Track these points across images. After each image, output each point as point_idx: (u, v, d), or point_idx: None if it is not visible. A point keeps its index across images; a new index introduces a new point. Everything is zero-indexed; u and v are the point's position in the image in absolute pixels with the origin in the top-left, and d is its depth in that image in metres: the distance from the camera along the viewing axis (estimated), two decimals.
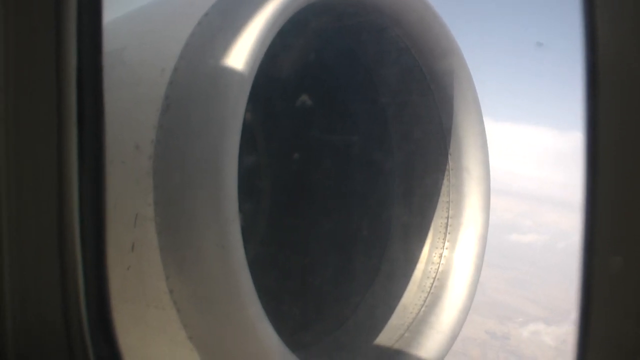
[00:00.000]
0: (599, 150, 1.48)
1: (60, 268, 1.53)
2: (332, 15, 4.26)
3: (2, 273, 1.50)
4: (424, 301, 4.69)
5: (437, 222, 4.80)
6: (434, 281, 4.72)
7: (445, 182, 4.78)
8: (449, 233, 4.77)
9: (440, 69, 4.60)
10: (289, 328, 4.14)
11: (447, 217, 4.81)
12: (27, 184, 1.58)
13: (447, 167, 4.77)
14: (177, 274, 3.41)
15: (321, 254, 5.11)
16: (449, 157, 4.75)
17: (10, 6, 1.56)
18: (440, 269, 4.74)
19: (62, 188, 1.63)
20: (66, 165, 1.65)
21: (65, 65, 1.65)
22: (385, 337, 4.67)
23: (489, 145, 4.78)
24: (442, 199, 4.80)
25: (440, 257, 4.76)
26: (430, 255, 4.78)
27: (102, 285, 1.67)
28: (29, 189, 1.58)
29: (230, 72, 3.39)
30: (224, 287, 3.36)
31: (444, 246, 4.76)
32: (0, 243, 1.51)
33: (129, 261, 3.50)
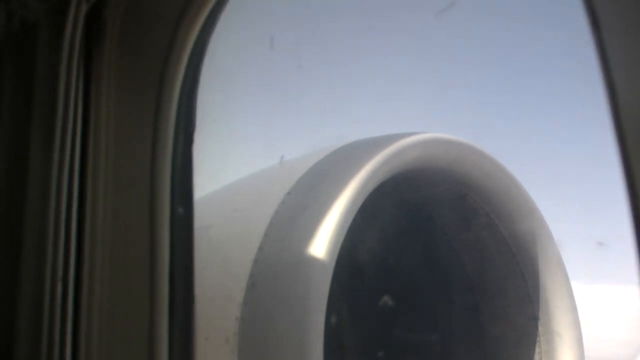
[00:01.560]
0: None
1: None
2: (409, 187, 4.34)
3: None
4: None
5: None
6: None
7: (536, 348, 4.57)
8: None
9: (521, 231, 4.55)
10: None
11: None
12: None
13: (537, 332, 4.58)
14: None
15: None
16: (538, 321, 4.57)
17: (108, 204, 1.65)
18: None
19: None
20: (156, 347, 1.67)
21: (158, 262, 1.70)
22: None
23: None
24: None
25: None
26: None
27: None
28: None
29: (314, 251, 3.45)
30: None
31: None
32: None
33: None
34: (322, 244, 3.47)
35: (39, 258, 1.53)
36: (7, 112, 1.56)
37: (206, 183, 4.11)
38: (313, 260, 3.46)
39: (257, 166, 4.32)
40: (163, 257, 1.68)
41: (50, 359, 1.52)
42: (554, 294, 4.60)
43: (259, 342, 3.51)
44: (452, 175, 4.24)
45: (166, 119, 1.69)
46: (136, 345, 1.66)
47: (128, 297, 1.67)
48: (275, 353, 3.47)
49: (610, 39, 1.15)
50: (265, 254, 3.59)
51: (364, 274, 4.51)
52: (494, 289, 4.67)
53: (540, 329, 4.57)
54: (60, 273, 1.55)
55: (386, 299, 4.61)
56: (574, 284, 4.66)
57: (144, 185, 1.71)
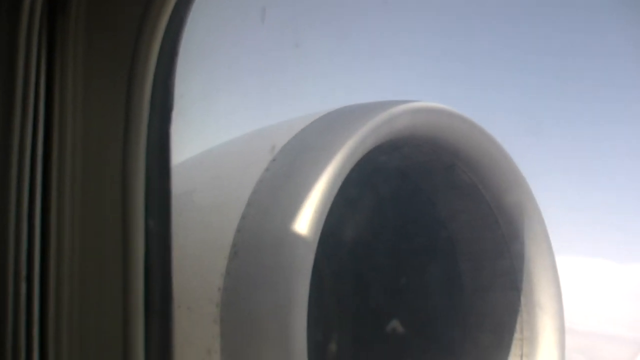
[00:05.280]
0: None
1: None
2: (398, 155, 4.26)
3: None
4: None
5: None
6: None
7: (517, 318, 4.57)
8: None
9: (508, 202, 4.51)
10: None
11: (521, 356, 4.58)
12: (92, 332, 1.50)
13: (519, 303, 4.57)
14: None
15: None
16: (521, 292, 4.56)
17: (76, 185, 1.52)
18: None
19: (127, 338, 1.54)
20: (132, 311, 1.57)
21: (133, 234, 1.59)
22: None
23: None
24: (515, 336, 4.58)
25: None
26: None
27: None
28: (93, 337, 1.50)
29: (299, 220, 3.37)
30: None
31: None
32: None
33: None
34: (307, 214, 3.39)
35: (1, 257, 1.40)
36: None
37: (187, 146, 3.99)
38: (298, 230, 3.38)
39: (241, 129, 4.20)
40: (138, 227, 1.56)
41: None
42: (537, 265, 4.60)
43: (241, 313, 3.45)
44: (441, 145, 4.16)
45: (141, 96, 1.55)
46: (111, 317, 1.57)
47: (100, 272, 1.58)
48: (258, 324, 3.41)
49: None
50: (248, 223, 3.51)
51: (348, 243, 4.46)
52: (478, 259, 4.65)
53: (522, 299, 4.57)
54: (24, 272, 1.42)
55: (371, 269, 4.57)
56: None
57: (117, 162, 1.58)
